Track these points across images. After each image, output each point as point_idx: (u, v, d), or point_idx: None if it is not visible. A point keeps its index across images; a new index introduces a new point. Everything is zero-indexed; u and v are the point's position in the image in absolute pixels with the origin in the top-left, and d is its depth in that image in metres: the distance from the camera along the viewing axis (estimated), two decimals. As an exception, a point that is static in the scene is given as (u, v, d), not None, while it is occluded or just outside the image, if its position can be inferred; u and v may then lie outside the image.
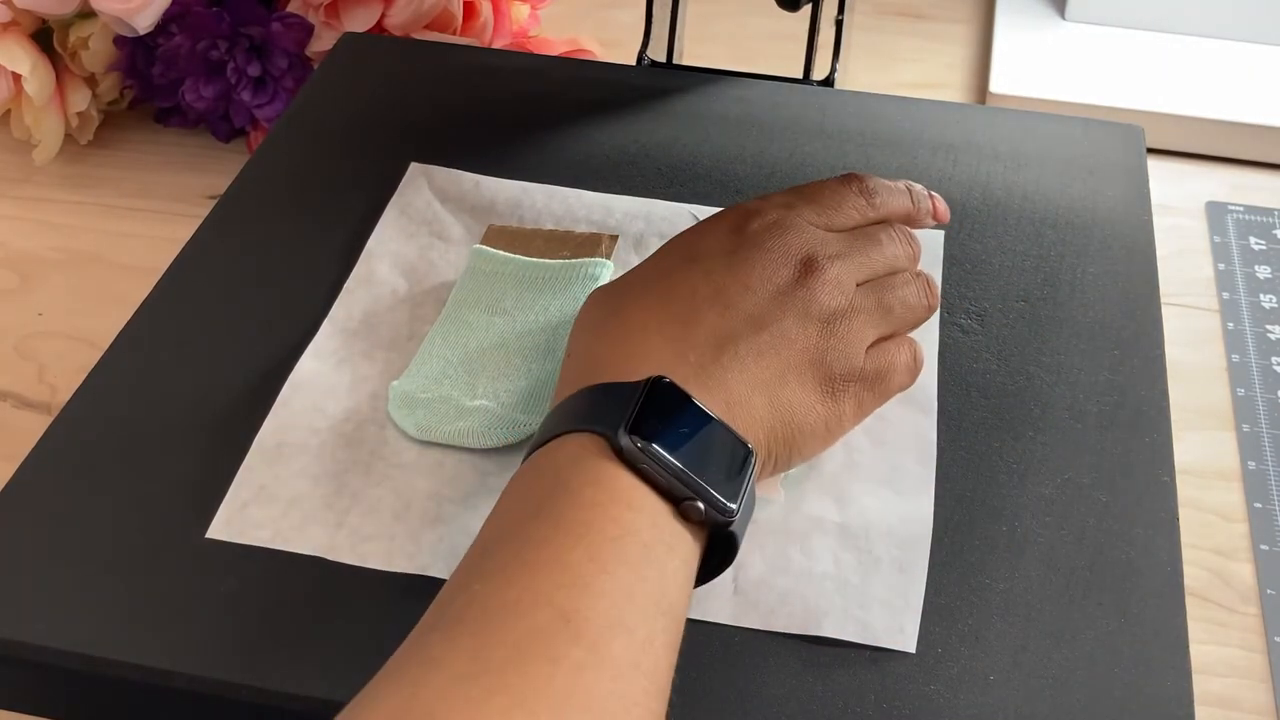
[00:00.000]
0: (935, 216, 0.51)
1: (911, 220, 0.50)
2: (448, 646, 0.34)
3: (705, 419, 0.40)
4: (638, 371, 0.41)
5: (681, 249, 0.46)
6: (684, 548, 0.38)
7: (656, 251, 0.47)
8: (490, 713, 0.32)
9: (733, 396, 0.42)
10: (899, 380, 0.46)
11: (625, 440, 0.38)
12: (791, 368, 0.43)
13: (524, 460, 0.41)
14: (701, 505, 0.38)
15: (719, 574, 0.41)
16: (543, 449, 0.40)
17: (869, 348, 0.45)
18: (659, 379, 0.40)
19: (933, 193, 0.51)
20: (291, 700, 0.41)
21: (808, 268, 0.45)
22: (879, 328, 0.46)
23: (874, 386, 0.45)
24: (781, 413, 0.42)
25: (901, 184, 0.50)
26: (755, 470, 0.41)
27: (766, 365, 0.42)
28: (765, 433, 0.42)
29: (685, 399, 0.40)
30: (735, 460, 0.40)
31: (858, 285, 0.46)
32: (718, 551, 0.40)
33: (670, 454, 0.38)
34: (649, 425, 0.39)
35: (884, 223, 0.49)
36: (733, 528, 0.39)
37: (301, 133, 0.65)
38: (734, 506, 0.39)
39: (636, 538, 0.37)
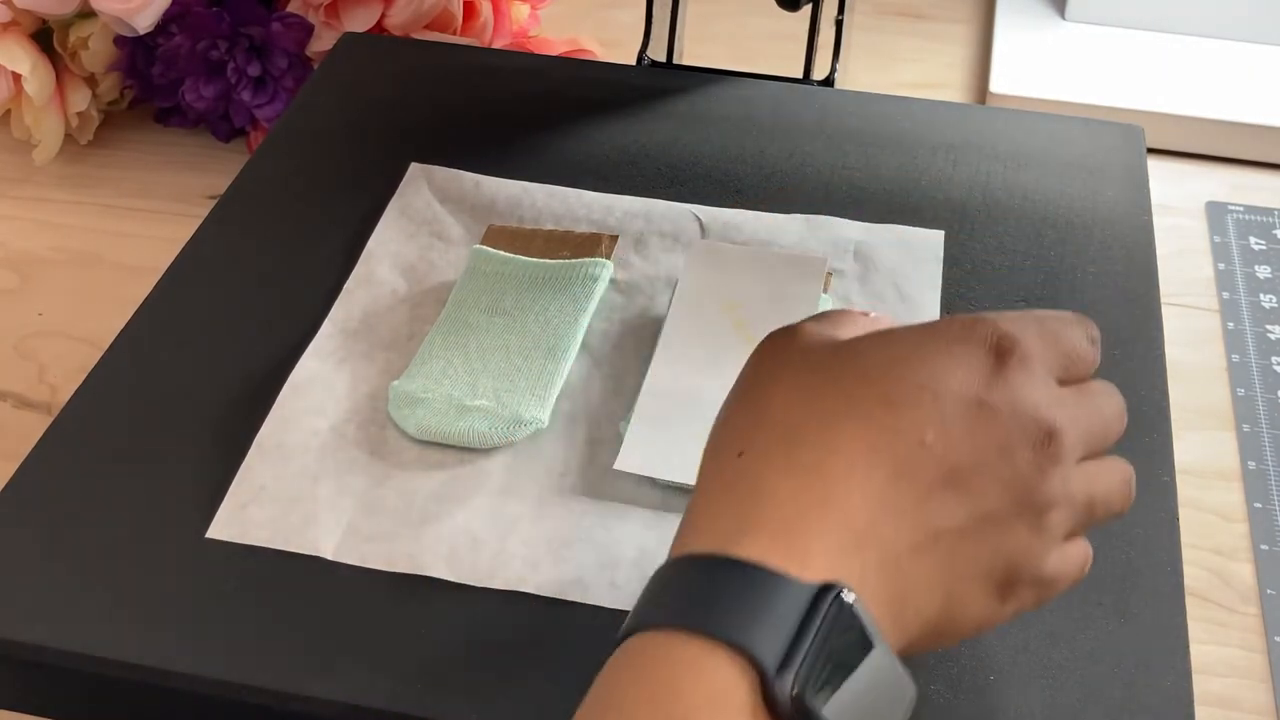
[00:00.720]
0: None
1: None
2: None
3: (880, 657, 0.31)
4: (815, 544, 0.32)
5: (919, 367, 0.35)
6: None
7: (877, 344, 0.37)
8: None
9: (912, 591, 0.33)
10: (1065, 586, 0.38)
11: (786, 689, 0.29)
12: (984, 566, 0.35)
13: (625, 637, 0.32)
14: None
15: None
16: (657, 642, 0.31)
17: None
18: (840, 595, 0.31)
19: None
20: (292, 700, 0.41)
21: (1045, 447, 0.35)
22: (1079, 527, 0.38)
23: (1041, 594, 0.37)
24: (951, 612, 0.35)
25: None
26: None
27: (963, 559, 0.34)
28: (922, 628, 0.34)
29: (861, 628, 0.31)
30: (897, 709, 0.32)
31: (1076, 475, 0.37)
32: None
33: (837, 712, 0.30)
34: (818, 668, 0.30)
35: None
36: None
37: (301, 133, 0.65)
38: None
39: None
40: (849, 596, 0.31)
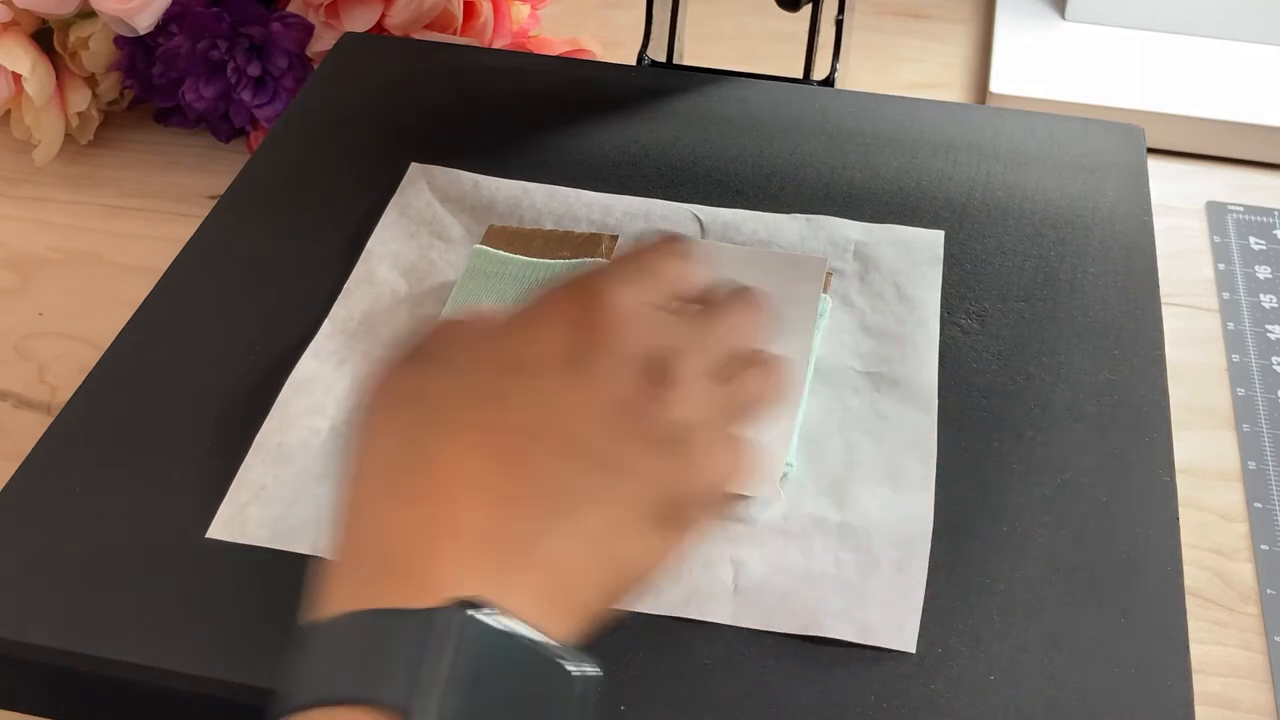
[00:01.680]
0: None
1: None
2: None
3: (528, 649, 0.31)
4: (442, 575, 0.31)
5: (503, 353, 0.35)
6: None
7: (461, 343, 0.36)
8: None
9: (562, 566, 0.32)
10: (733, 489, 0.37)
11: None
12: (628, 511, 0.34)
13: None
14: None
15: None
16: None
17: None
18: (468, 611, 0.30)
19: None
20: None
21: (660, 374, 0.35)
22: (729, 429, 0.37)
23: (717, 505, 0.37)
24: (615, 565, 0.34)
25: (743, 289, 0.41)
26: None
27: (603, 514, 0.33)
28: (595, 592, 0.34)
29: (504, 628, 0.30)
30: (567, 705, 0.31)
31: (707, 378, 0.37)
32: None
33: None
34: (455, 687, 0.29)
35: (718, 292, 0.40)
36: None
37: (301, 133, 0.65)
38: None
39: None
40: (477, 611, 0.30)
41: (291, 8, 0.76)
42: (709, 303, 0.39)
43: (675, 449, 0.35)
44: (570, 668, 0.31)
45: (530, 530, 0.32)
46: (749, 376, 0.38)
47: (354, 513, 0.33)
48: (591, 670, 0.32)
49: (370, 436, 0.35)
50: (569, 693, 0.31)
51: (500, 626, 0.30)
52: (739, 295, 0.39)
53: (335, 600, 0.32)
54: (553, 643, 0.31)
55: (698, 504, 0.36)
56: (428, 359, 0.36)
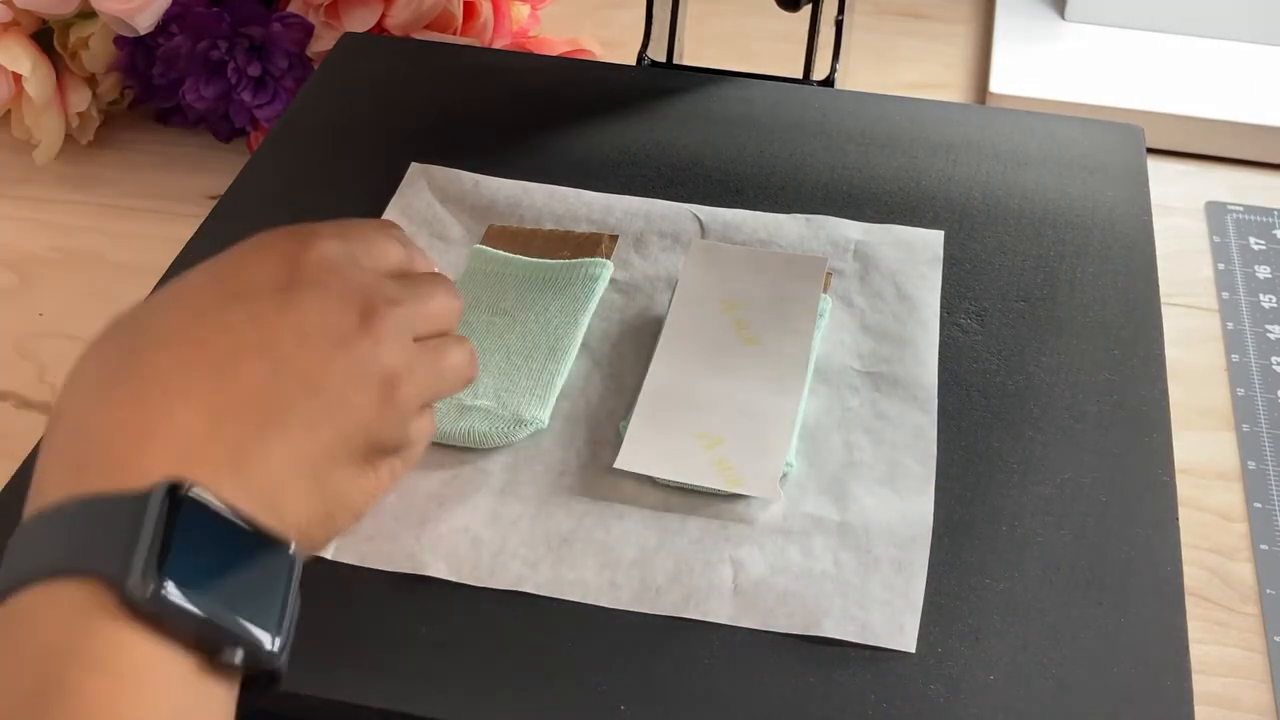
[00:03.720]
0: None
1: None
2: None
3: (241, 531, 0.32)
4: (152, 463, 0.32)
5: (220, 279, 0.37)
6: (220, 706, 0.31)
7: (184, 276, 0.37)
8: None
9: (274, 482, 0.34)
10: (421, 450, 0.40)
11: (136, 595, 0.29)
12: (343, 440, 0.36)
13: None
14: (240, 652, 0.31)
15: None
16: (18, 600, 0.30)
17: None
18: (178, 488, 0.31)
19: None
20: (291, 700, 0.41)
21: (370, 313, 0.37)
22: (433, 393, 0.40)
23: (409, 457, 0.39)
24: (326, 494, 0.36)
25: (421, 251, 0.43)
26: (297, 580, 0.34)
27: (317, 439, 0.35)
28: (306, 518, 0.35)
29: (215, 513, 0.32)
30: (277, 578, 0.33)
31: (416, 345, 0.39)
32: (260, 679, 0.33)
33: (199, 595, 0.30)
34: (175, 564, 0.30)
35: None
36: (281, 666, 0.32)
37: (301, 133, 0.65)
38: (278, 648, 0.32)
39: None
40: (193, 491, 0.31)
41: (291, 8, 0.76)
42: (408, 278, 0.41)
43: (384, 391, 0.37)
44: (284, 546, 0.33)
45: (243, 441, 0.34)
46: (451, 350, 0.41)
47: (65, 417, 0.34)
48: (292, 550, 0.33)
49: (85, 355, 0.36)
50: (282, 565, 0.33)
51: (212, 505, 0.32)
52: (437, 278, 0.42)
53: (46, 493, 0.32)
54: (263, 525, 0.33)
55: (398, 451, 0.39)
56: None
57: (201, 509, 0.31)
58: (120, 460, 0.32)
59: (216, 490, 0.32)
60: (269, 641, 0.32)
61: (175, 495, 0.31)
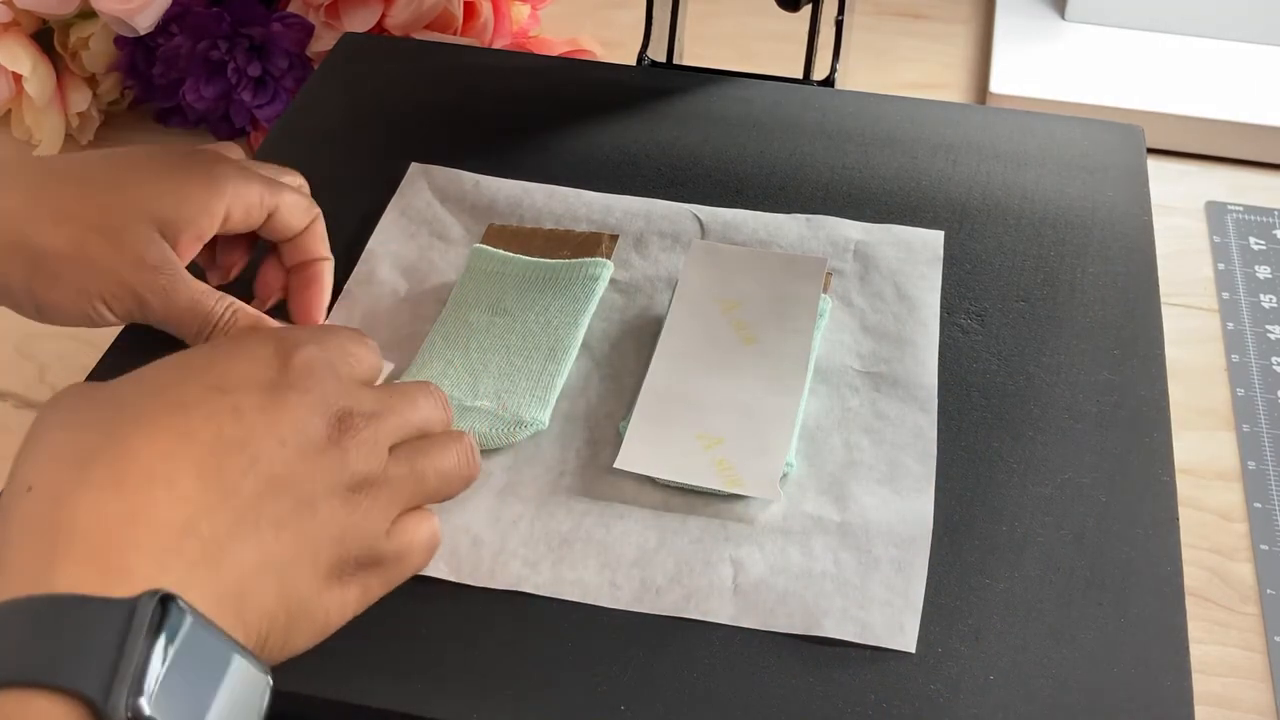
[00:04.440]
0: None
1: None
2: None
3: (223, 650, 0.32)
4: (134, 558, 0.31)
5: (203, 371, 0.37)
6: None
7: (160, 364, 0.37)
8: None
9: (242, 583, 0.34)
10: (415, 563, 0.40)
11: (118, 710, 0.28)
12: (308, 546, 0.35)
13: None
14: None
15: None
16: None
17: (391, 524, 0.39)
18: (169, 600, 0.30)
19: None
20: (292, 700, 0.41)
21: (343, 424, 0.37)
22: (408, 501, 0.39)
23: (387, 574, 0.39)
24: (289, 602, 0.35)
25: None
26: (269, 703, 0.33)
27: (284, 541, 0.35)
28: (268, 625, 0.35)
29: (201, 626, 0.31)
30: (253, 698, 0.32)
31: (390, 449, 0.39)
32: None
33: (177, 716, 0.30)
34: (160, 690, 0.29)
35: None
36: None
37: (301, 133, 0.65)
38: None
39: None
40: (174, 603, 0.30)
41: (291, 8, 0.76)
42: (388, 388, 0.41)
43: (351, 500, 0.37)
44: (261, 670, 0.33)
45: (217, 537, 0.33)
46: (439, 453, 0.40)
47: (38, 489, 0.33)
48: (270, 679, 0.33)
49: (52, 425, 0.35)
50: (261, 693, 0.32)
51: (199, 622, 0.31)
52: (420, 385, 0.42)
53: (19, 570, 0.31)
54: (242, 644, 0.32)
55: (373, 564, 0.38)
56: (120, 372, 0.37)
57: (178, 622, 0.31)
58: (99, 551, 0.31)
59: (188, 588, 0.32)
60: None
61: (159, 604, 0.30)
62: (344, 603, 0.37)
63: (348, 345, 0.41)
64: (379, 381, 0.42)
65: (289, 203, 0.49)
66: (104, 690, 0.29)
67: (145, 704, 0.29)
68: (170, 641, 0.30)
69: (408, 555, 0.39)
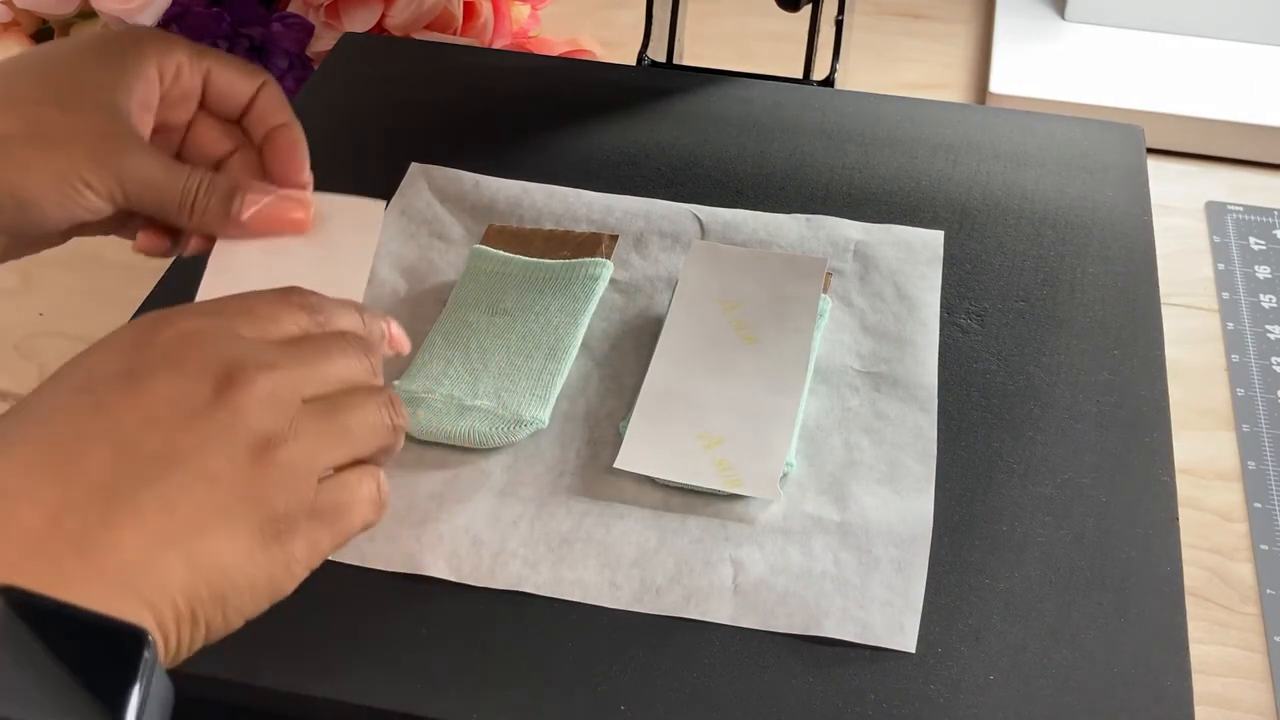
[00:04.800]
0: (391, 345, 0.42)
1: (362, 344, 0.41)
2: None
3: (70, 621, 0.31)
4: None
5: (71, 376, 0.36)
6: None
7: (45, 383, 0.37)
8: None
9: (129, 563, 0.33)
10: (361, 515, 0.38)
11: None
12: (216, 513, 0.34)
13: None
14: None
15: None
16: None
17: (323, 479, 0.37)
18: (2, 590, 0.31)
19: (388, 317, 0.42)
20: (292, 700, 0.41)
21: (229, 381, 0.36)
22: (334, 453, 0.37)
23: (332, 524, 0.37)
24: (205, 571, 0.34)
25: (350, 304, 0.41)
26: (155, 660, 0.32)
27: (180, 515, 0.34)
28: (185, 598, 0.34)
29: (43, 610, 0.31)
30: (121, 663, 0.31)
31: (303, 402, 0.37)
32: None
33: (14, 706, 0.29)
34: None
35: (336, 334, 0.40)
36: None
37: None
38: None
39: None
40: (15, 591, 0.30)
41: (291, 8, 0.76)
42: (303, 340, 0.39)
43: (256, 457, 0.35)
44: (132, 629, 0.32)
45: (86, 530, 0.33)
46: (359, 406, 0.38)
47: None
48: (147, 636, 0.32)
49: None
50: (132, 653, 0.31)
51: (50, 607, 0.31)
52: (342, 336, 0.40)
53: None
54: (108, 615, 0.32)
55: (311, 518, 0.36)
56: None
57: (25, 608, 0.30)
58: None
59: (57, 581, 0.31)
60: None
61: (8, 597, 0.30)
62: (288, 562, 0.36)
63: (260, 305, 0.39)
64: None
65: (223, 64, 0.48)
66: None
67: None
68: (13, 620, 0.30)
69: (349, 509, 0.37)
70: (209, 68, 0.47)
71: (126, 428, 0.34)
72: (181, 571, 0.33)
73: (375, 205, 0.49)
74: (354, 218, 0.48)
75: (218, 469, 0.34)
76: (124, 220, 0.46)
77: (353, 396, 0.38)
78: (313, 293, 0.40)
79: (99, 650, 0.31)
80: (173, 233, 0.47)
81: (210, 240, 0.46)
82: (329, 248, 0.47)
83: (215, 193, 0.45)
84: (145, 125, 0.46)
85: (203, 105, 0.48)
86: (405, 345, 0.42)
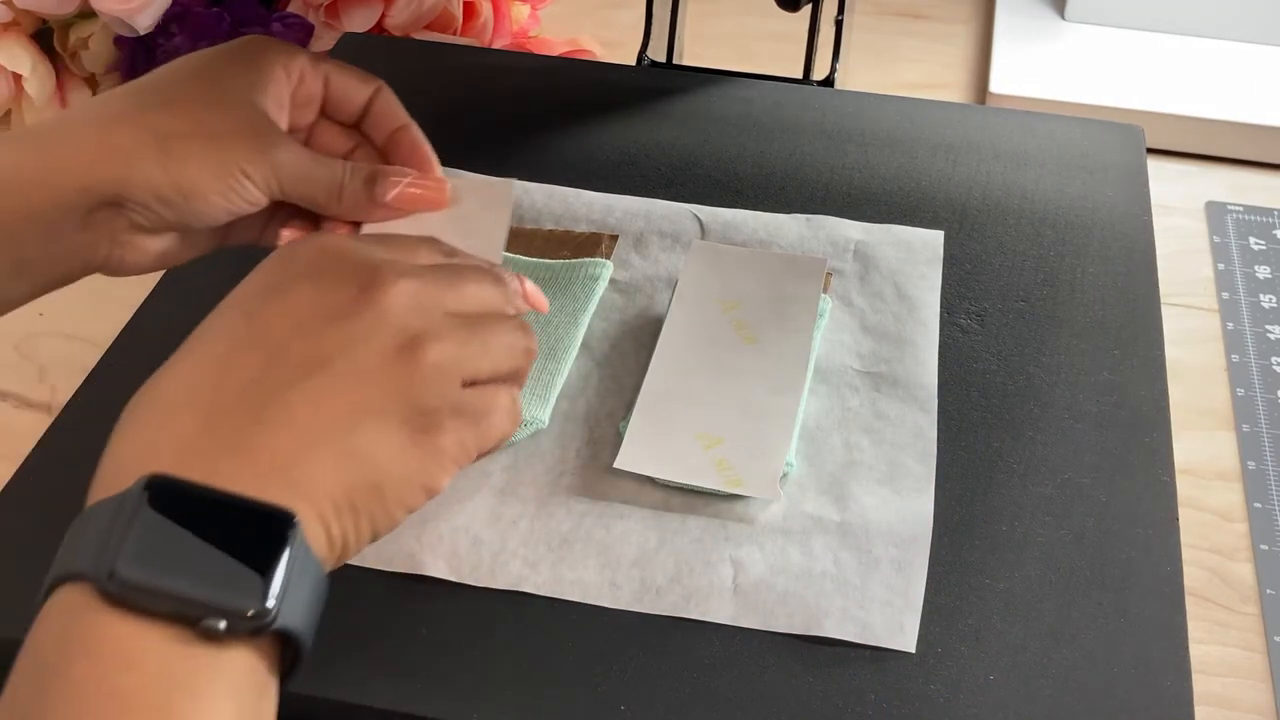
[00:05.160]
0: (528, 301, 0.44)
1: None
2: None
3: (219, 506, 0.33)
4: (143, 469, 0.34)
5: (228, 299, 0.39)
6: (220, 682, 0.32)
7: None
8: None
9: (281, 460, 0.35)
10: (500, 424, 0.40)
11: (106, 583, 0.31)
12: (366, 409, 0.36)
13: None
14: (221, 621, 0.32)
15: (300, 666, 0.35)
16: (43, 608, 0.33)
17: (464, 386, 0.39)
18: (154, 480, 0.33)
19: (522, 276, 0.44)
20: (292, 700, 0.41)
21: (373, 283, 0.38)
22: (474, 362, 0.39)
23: (475, 425, 0.39)
24: (359, 464, 0.36)
25: (485, 263, 0.44)
26: (299, 541, 0.34)
27: (328, 411, 0.36)
28: (342, 489, 0.35)
29: (191, 494, 0.33)
30: (268, 540, 0.33)
31: (446, 314, 0.39)
32: (290, 646, 0.34)
33: (169, 576, 0.32)
34: (137, 548, 0.32)
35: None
36: (278, 625, 0.32)
37: (301, 133, 0.65)
38: (266, 603, 0.32)
39: (143, 703, 0.31)
40: (164, 480, 0.33)
41: (291, 8, 0.76)
42: (443, 265, 0.41)
43: (403, 354, 0.37)
44: (281, 511, 0.34)
45: (239, 431, 0.35)
46: (498, 327, 0.40)
47: (107, 456, 0.36)
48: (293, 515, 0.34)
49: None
50: (278, 533, 0.33)
51: (188, 490, 0.33)
52: (479, 266, 0.42)
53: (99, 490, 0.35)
54: (257, 499, 0.34)
55: (457, 416, 0.38)
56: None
57: (179, 496, 0.33)
58: (120, 476, 0.34)
59: (211, 478, 0.33)
60: (251, 607, 0.32)
61: (155, 485, 0.33)
62: (439, 455, 0.37)
63: (395, 239, 0.42)
64: None
65: (340, 70, 0.50)
66: (96, 565, 0.32)
67: (122, 566, 0.31)
68: (158, 509, 0.32)
69: (490, 415, 0.39)
70: (328, 73, 0.49)
71: (275, 334, 0.36)
72: (334, 464, 0.35)
73: (505, 184, 0.52)
74: (486, 195, 0.51)
75: (365, 366, 0.36)
76: (271, 216, 0.48)
77: (489, 317, 0.41)
78: (449, 245, 0.43)
79: (248, 533, 0.33)
80: (316, 223, 0.48)
81: (355, 226, 0.48)
82: (466, 223, 0.49)
83: (359, 178, 0.48)
84: (282, 123, 0.48)
85: (322, 110, 0.50)
86: (544, 302, 0.45)
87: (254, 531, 0.33)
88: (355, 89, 0.50)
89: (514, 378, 0.41)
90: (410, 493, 0.37)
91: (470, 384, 0.39)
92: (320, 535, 0.35)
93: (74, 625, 0.32)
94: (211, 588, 0.32)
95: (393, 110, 0.51)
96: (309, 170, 0.47)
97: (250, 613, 0.32)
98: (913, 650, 0.43)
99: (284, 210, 0.48)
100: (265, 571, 0.32)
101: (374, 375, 0.36)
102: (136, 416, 0.36)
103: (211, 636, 0.32)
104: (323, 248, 0.39)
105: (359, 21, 0.75)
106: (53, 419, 0.50)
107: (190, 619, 0.32)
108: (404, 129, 0.51)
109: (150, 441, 0.35)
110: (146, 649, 0.31)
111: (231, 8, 0.75)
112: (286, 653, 0.34)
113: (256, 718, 0.33)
